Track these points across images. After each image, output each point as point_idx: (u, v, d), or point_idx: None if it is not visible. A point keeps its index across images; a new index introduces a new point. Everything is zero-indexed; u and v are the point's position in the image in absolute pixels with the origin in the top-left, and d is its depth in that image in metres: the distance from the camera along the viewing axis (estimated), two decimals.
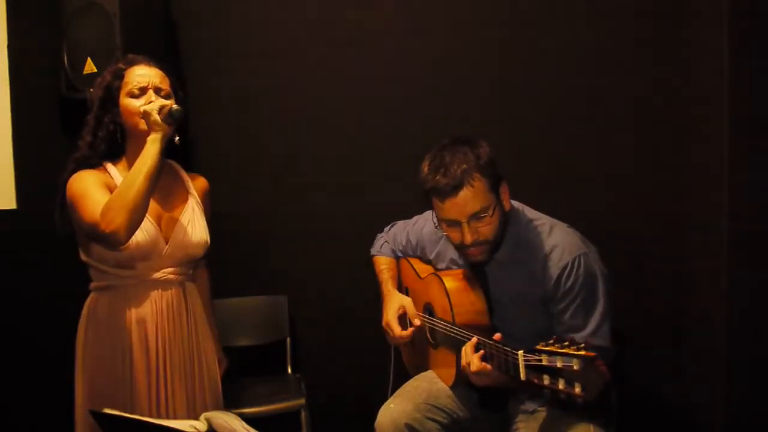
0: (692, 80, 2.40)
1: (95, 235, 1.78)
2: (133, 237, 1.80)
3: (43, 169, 2.69)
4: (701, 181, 2.35)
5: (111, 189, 1.85)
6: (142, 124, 1.84)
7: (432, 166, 1.83)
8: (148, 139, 1.81)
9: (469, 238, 1.82)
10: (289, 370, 2.95)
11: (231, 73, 2.97)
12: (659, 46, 2.49)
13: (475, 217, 1.80)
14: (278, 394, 2.73)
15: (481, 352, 1.72)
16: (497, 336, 1.70)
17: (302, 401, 2.71)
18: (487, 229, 1.83)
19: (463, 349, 1.77)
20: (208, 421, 1.43)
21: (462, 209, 1.79)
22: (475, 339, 1.75)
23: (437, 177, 1.79)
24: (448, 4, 2.75)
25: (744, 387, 2.07)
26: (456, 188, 1.77)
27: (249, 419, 1.49)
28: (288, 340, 2.98)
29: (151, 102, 1.85)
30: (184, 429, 1.39)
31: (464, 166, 1.78)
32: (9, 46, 2.58)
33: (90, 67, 2.65)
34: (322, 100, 2.91)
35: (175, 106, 1.81)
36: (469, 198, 1.78)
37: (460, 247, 1.88)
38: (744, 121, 2.08)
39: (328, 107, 2.90)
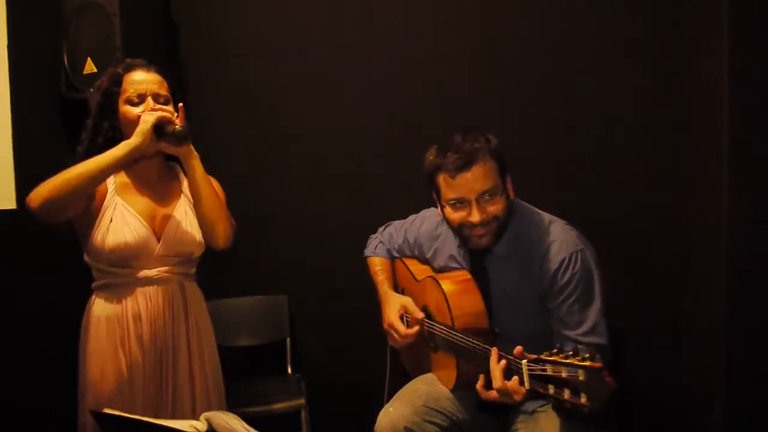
0: (692, 80, 2.40)
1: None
2: (122, 236, 1.84)
3: (43, 169, 2.68)
4: (701, 181, 2.35)
5: (95, 192, 1.86)
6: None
7: (441, 148, 1.86)
8: (123, 142, 1.80)
9: (477, 217, 1.82)
10: (289, 370, 2.95)
11: (231, 74, 2.97)
12: (659, 46, 2.49)
13: (485, 195, 1.82)
14: (278, 394, 2.74)
15: (516, 378, 1.60)
16: (519, 350, 1.63)
17: (302, 401, 2.72)
18: (495, 207, 1.84)
19: (495, 374, 1.66)
20: (208, 421, 1.43)
21: (473, 185, 1.81)
22: (504, 363, 1.64)
23: (448, 154, 1.83)
24: (449, 4, 2.75)
25: (744, 387, 2.07)
26: (469, 163, 1.80)
27: (249, 419, 1.49)
28: (288, 340, 2.98)
29: (152, 109, 1.84)
30: (184, 429, 1.39)
31: (477, 145, 1.83)
32: (9, 46, 2.58)
33: (90, 67, 2.65)
34: (322, 100, 2.91)
35: (178, 127, 1.80)
36: (480, 174, 1.80)
37: (465, 228, 1.88)
38: (744, 120, 2.08)
39: (328, 107, 2.90)
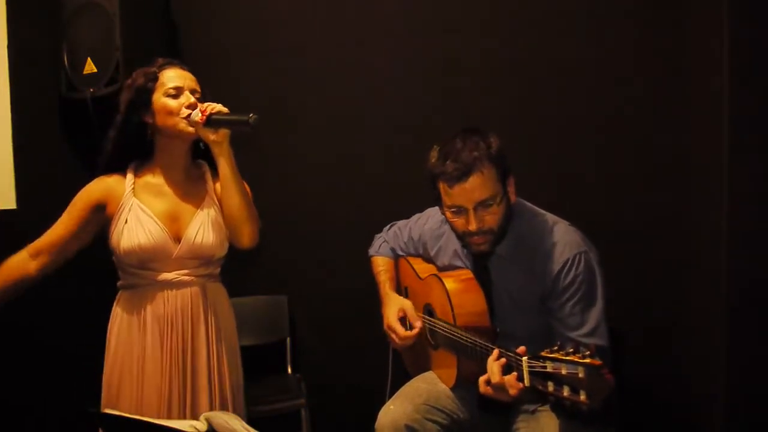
0: (692, 80, 2.40)
1: None
2: (136, 239, 1.84)
3: (43, 169, 2.70)
4: (701, 182, 2.35)
5: (108, 199, 1.88)
6: (182, 124, 1.85)
7: (442, 152, 1.85)
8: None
9: (474, 226, 1.82)
10: (289, 370, 2.95)
11: (231, 74, 2.97)
12: (659, 46, 2.49)
13: (482, 204, 1.81)
14: (278, 394, 2.74)
15: (514, 374, 1.61)
16: (522, 350, 1.62)
17: (302, 401, 2.72)
18: (492, 218, 1.84)
19: (494, 370, 1.66)
20: (208, 421, 1.43)
21: (470, 195, 1.80)
22: (503, 360, 1.65)
23: (447, 162, 1.81)
24: (449, 5, 2.75)
25: (744, 387, 2.07)
26: (466, 174, 1.78)
27: (249, 419, 1.49)
28: (288, 340, 2.98)
29: (192, 102, 1.86)
30: (184, 429, 1.39)
31: (475, 153, 1.80)
32: (9, 46, 2.58)
33: (90, 67, 2.65)
34: (323, 100, 2.91)
35: (254, 116, 1.78)
36: (477, 185, 1.79)
37: (465, 235, 1.89)
38: (744, 120, 2.08)
39: (329, 107, 2.90)
